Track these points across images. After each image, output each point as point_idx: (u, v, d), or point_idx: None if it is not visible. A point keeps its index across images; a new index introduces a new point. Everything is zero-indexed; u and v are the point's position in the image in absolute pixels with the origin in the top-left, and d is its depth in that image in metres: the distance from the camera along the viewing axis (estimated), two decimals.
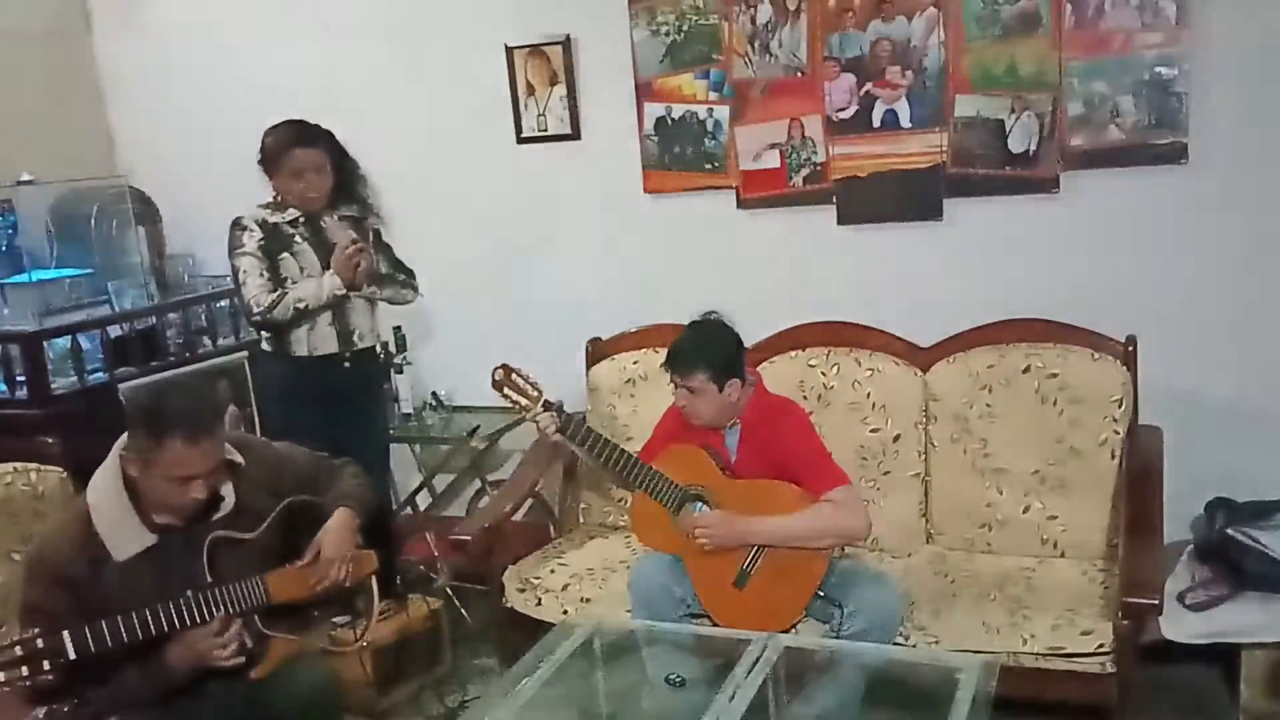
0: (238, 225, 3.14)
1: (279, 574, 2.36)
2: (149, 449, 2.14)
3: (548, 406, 2.90)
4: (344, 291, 3.11)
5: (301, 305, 3.07)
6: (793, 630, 2.68)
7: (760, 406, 2.83)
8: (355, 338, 3.22)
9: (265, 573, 2.33)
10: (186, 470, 2.15)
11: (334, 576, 2.43)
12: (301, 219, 3.16)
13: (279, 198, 3.16)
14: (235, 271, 3.13)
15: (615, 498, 3.43)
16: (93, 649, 2.06)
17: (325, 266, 3.13)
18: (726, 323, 2.82)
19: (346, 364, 3.21)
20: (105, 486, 2.22)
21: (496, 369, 2.93)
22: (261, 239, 3.11)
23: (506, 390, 2.92)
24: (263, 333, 3.22)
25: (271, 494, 2.42)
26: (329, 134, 3.16)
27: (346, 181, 3.22)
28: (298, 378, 3.18)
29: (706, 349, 2.73)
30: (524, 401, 2.91)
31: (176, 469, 2.14)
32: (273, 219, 3.14)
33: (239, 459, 2.37)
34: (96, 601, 2.14)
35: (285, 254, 3.12)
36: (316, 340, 3.16)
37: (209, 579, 2.23)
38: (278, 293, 3.06)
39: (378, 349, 3.41)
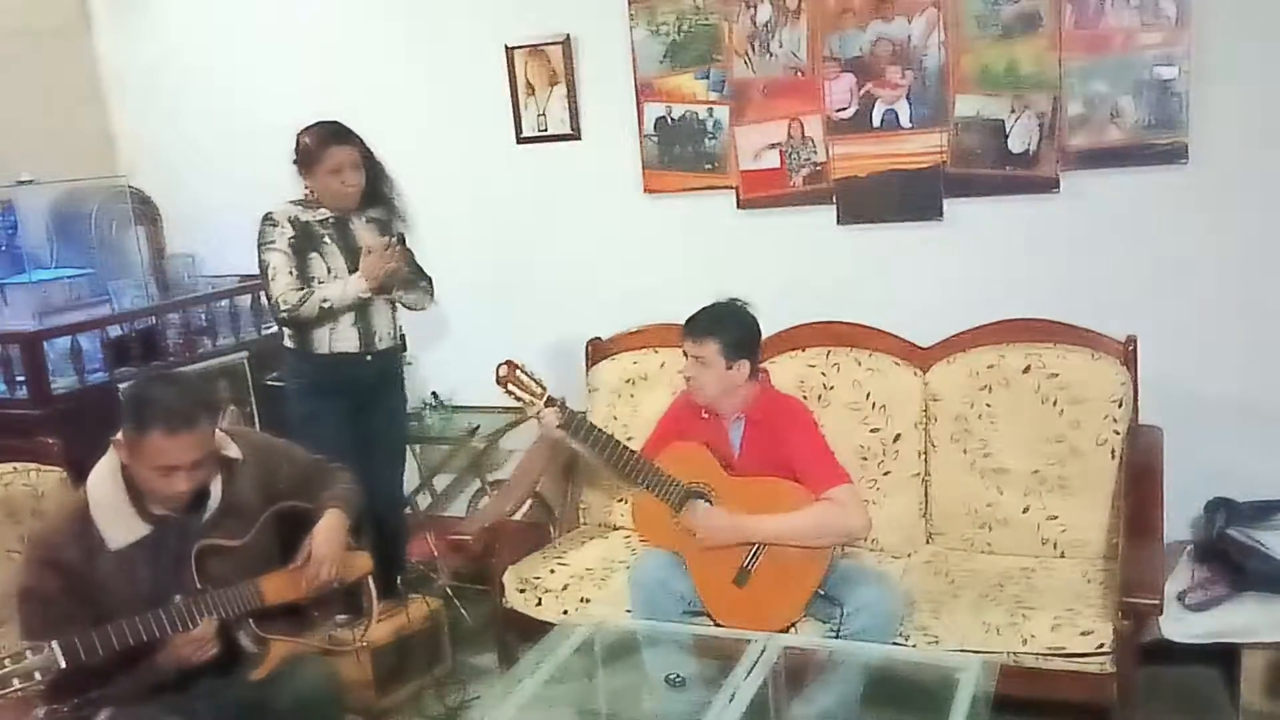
0: (270, 220, 3.16)
1: (271, 577, 2.37)
2: (135, 437, 2.16)
3: (551, 402, 2.92)
4: (368, 295, 3.15)
5: (326, 305, 3.11)
6: (792, 630, 2.69)
7: (766, 403, 2.84)
8: (376, 339, 3.25)
9: (257, 575, 2.34)
10: (168, 461, 2.16)
11: (324, 576, 2.44)
12: (331, 219, 3.19)
13: (312, 194, 3.18)
14: (264, 266, 3.15)
15: (616, 497, 3.43)
16: (83, 658, 2.06)
17: (351, 269, 3.16)
18: (749, 309, 2.85)
19: (369, 358, 3.25)
20: (103, 476, 2.25)
21: (501, 365, 2.94)
22: (293, 236, 3.13)
23: (511, 386, 2.93)
24: (286, 329, 3.24)
25: (265, 491, 2.43)
26: (359, 136, 3.19)
27: (374, 183, 3.24)
28: (322, 373, 3.21)
29: (724, 321, 2.78)
30: (528, 397, 2.92)
31: (159, 459, 2.16)
32: (304, 216, 3.17)
33: (236, 454, 2.38)
34: (89, 589, 2.17)
35: (314, 253, 3.15)
36: (338, 339, 3.19)
37: (198, 584, 2.24)
38: (304, 291, 3.10)
39: (400, 346, 3.44)
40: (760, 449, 2.79)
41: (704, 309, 2.84)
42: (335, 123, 3.16)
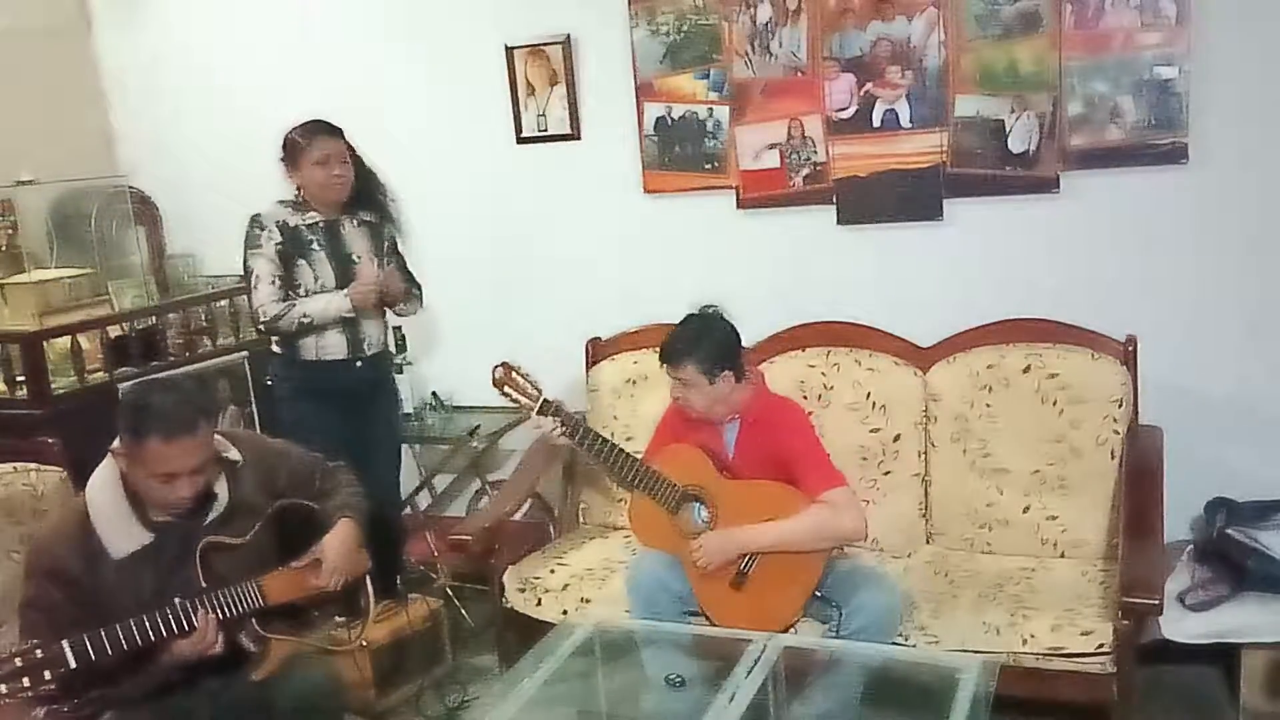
0: (257, 223, 3.13)
1: (274, 576, 2.37)
2: (133, 446, 2.15)
3: (545, 406, 2.89)
4: (352, 314, 3.14)
5: (306, 320, 3.10)
6: (792, 630, 2.69)
7: (760, 404, 2.83)
8: (365, 345, 3.24)
9: (260, 574, 2.34)
10: (169, 467, 2.15)
11: (336, 587, 2.46)
12: (321, 223, 3.17)
13: (301, 194, 3.16)
14: (248, 271, 3.13)
15: (615, 498, 3.43)
16: (93, 658, 2.06)
17: (339, 277, 3.15)
18: (724, 315, 2.82)
19: (358, 364, 3.24)
20: (103, 484, 2.24)
21: (497, 367, 2.92)
22: (279, 242, 3.11)
23: (507, 389, 2.91)
24: (273, 335, 3.23)
25: (266, 492, 2.43)
26: (347, 137, 3.18)
27: (364, 183, 3.23)
28: (310, 378, 3.20)
29: (697, 341, 2.73)
30: (524, 401, 2.90)
31: (159, 466, 2.15)
32: (293, 221, 3.15)
33: (236, 456, 2.37)
34: (94, 598, 2.16)
35: (301, 260, 3.13)
36: (325, 347, 3.18)
37: (203, 584, 2.24)
38: (285, 304, 3.08)
39: (391, 347, 3.43)
40: (754, 450, 2.78)
41: (673, 332, 2.78)
42: (321, 119, 3.15)
